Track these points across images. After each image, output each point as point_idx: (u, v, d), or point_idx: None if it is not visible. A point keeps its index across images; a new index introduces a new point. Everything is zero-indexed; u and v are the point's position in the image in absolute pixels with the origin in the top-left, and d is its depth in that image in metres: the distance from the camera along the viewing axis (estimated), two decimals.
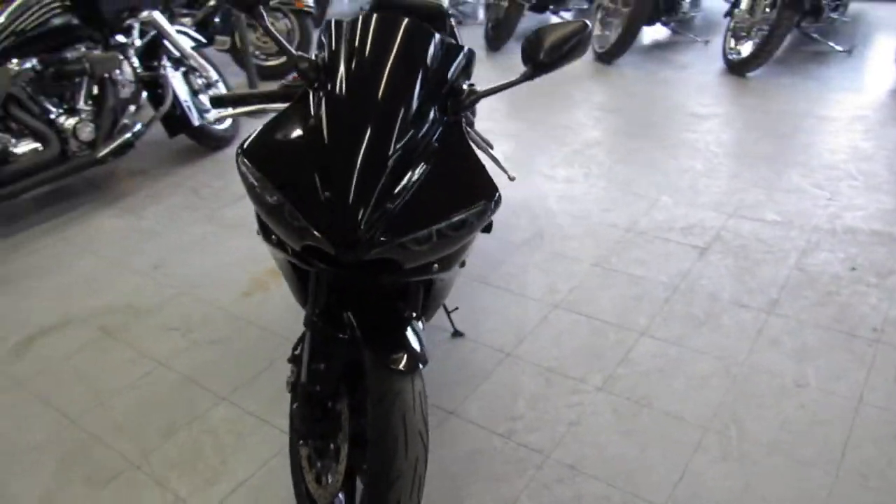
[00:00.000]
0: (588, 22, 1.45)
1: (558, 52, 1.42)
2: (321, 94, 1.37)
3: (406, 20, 1.42)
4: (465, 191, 1.38)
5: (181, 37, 3.76)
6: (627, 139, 3.96)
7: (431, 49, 1.43)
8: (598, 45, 5.48)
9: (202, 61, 3.80)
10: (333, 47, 1.41)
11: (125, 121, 3.59)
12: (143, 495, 1.86)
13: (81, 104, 3.40)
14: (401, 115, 1.34)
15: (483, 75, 4.53)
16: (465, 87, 1.46)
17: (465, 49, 1.50)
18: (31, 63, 3.20)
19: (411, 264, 1.37)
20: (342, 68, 1.38)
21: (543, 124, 4.23)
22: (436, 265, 1.42)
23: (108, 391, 2.23)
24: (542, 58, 1.41)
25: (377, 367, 1.39)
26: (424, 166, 1.35)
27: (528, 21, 6.59)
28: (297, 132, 1.36)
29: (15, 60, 3.14)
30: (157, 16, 3.61)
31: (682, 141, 3.89)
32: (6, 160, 3.11)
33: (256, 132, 1.41)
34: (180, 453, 1.98)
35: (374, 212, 1.27)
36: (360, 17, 1.43)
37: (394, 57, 1.39)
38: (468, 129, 1.55)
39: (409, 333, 1.47)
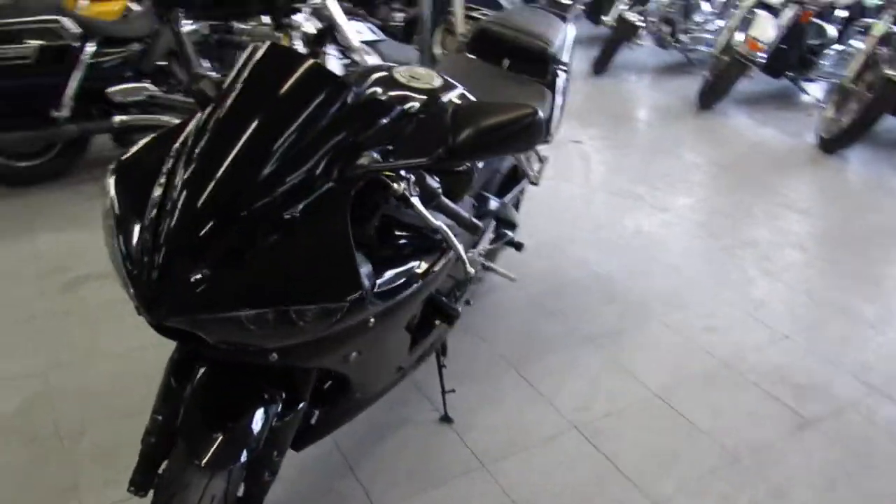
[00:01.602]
0: (539, 110, 1.07)
1: (482, 141, 1.07)
2: (202, 119, 1.17)
3: (314, 62, 1.16)
4: (318, 280, 1.09)
5: (354, 29, 3.78)
6: (795, 250, 3.24)
7: (339, 102, 1.15)
8: (825, 129, 4.61)
9: (366, 56, 3.79)
10: (234, 73, 1.20)
11: None
12: (50, 468, 1.82)
13: None
14: (270, 166, 1.10)
15: (673, 135, 4.03)
16: (372, 154, 1.15)
17: (394, 111, 1.19)
18: (200, 26, 3.40)
19: (233, 344, 1.12)
20: (228, 98, 1.16)
21: (708, 204, 3.63)
22: (275, 354, 1.16)
23: (102, 352, 2.25)
24: (460, 141, 1.07)
25: (177, 448, 1.17)
26: (279, 233, 1.09)
27: (756, 84, 5.77)
28: (166, 156, 1.18)
29: (189, 22, 3.35)
30: (331, 3, 3.64)
31: (869, 274, 3.09)
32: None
33: (134, 148, 1.25)
34: (112, 443, 1.92)
35: (196, 270, 1.04)
36: (268, 49, 1.19)
37: (285, 99, 1.14)
38: (429, 200, 1.26)
39: (256, 420, 1.22)
